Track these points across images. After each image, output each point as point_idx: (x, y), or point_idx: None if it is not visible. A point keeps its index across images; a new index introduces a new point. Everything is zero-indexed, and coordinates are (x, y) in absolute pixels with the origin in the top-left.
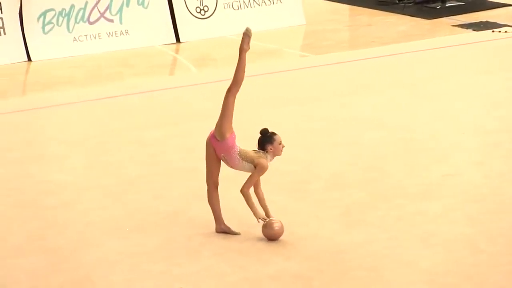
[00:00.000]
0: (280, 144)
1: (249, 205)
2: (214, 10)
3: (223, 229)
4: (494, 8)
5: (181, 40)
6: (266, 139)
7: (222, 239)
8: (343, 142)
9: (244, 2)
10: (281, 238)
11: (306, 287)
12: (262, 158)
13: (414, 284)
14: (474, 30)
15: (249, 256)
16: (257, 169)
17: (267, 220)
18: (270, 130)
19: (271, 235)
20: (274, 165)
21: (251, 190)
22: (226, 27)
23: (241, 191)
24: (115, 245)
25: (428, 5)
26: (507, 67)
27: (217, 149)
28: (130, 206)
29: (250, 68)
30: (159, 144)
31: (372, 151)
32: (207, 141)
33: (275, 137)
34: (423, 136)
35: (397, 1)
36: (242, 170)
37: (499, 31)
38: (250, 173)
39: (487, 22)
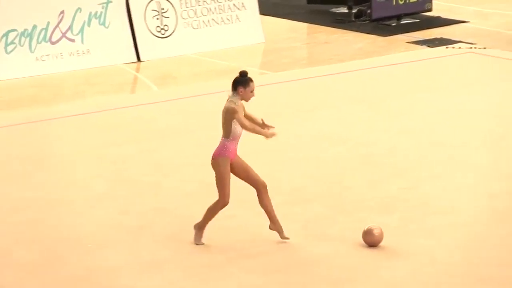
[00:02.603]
0: (251, 92)
1: (254, 131)
2: (174, 30)
3: (276, 229)
4: (448, 24)
5: (141, 59)
6: (241, 81)
7: (186, 254)
8: (303, 157)
9: (203, 21)
10: (243, 252)
11: None
12: (230, 107)
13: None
14: (429, 46)
15: (213, 270)
16: (234, 116)
17: (367, 227)
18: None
19: (371, 241)
20: (236, 180)
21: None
22: (186, 46)
23: (245, 129)
24: (81, 261)
25: (384, 23)
26: (462, 82)
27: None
28: (96, 221)
29: (210, 86)
30: (123, 160)
31: (332, 165)
32: (227, 161)
33: (251, 83)
34: (381, 151)
35: (354, 19)
36: (241, 129)
37: (453, 47)
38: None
39: (441, 38)
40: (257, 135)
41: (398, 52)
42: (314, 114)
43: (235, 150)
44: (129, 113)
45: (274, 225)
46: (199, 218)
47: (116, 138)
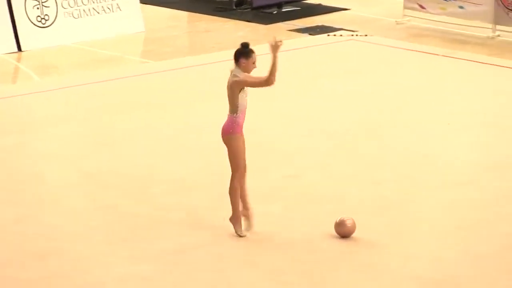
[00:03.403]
0: (253, 63)
1: (264, 77)
2: (55, 19)
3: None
4: (329, 12)
5: (22, 49)
6: (243, 53)
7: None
8: (188, 147)
9: (84, 10)
10: (128, 241)
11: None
12: (235, 79)
13: (256, 283)
14: (310, 34)
15: (93, 259)
16: (244, 84)
17: (339, 218)
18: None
19: (344, 232)
20: (119, 169)
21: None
22: (67, 36)
23: (269, 83)
24: None
25: (265, 11)
26: (343, 70)
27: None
28: None
29: (91, 75)
30: (7, 151)
31: (216, 154)
32: (239, 138)
33: (253, 54)
34: (264, 138)
35: (234, 7)
36: (246, 101)
37: (335, 35)
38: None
39: (323, 26)
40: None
41: None
42: (197, 103)
43: (242, 122)
44: (10, 104)
45: (244, 211)
46: (82, 206)
47: None
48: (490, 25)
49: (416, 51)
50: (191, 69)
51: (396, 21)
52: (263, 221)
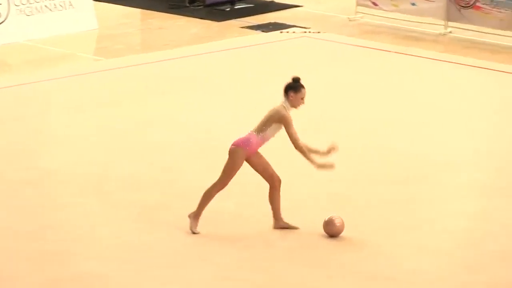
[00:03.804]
0: (302, 98)
1: (304, 154)
2: (7, 16)
3: (281, 226)
4: (281, 9)
5: None
6: (293, 87)
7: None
8: (141, 143)
9: (36, 8)
10: (82, 238)
11: (104, 286)
12: (281, 111)
13: (211, 280)
14: (263, 31)
15: (48, 257)
16: (285, 123)
17: (328, 217)
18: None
19: (333, 232)
20: (72, 167)
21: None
22: (19, 33)
23: (296, 148)
24: None
25: (218, 8)
26: (297, 66)
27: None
28: None
29: (44, 73)
30: None
31: (168, 151)
32: (244, 154)
33: (302, 89)
34: (218, 136)
35: (188, 5)
36: (274, 134)
37: (287, 32)
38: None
39: (275, 23)
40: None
41: (232, 37)
42: (151, 100)
43: (257, 147)
44: None
45: (278, 222)
46: (36, 205)
47: None
48: (442, 22)
49: (369, 48)
50: (144, 66)
51: (348, 18)
52: (217, 218)
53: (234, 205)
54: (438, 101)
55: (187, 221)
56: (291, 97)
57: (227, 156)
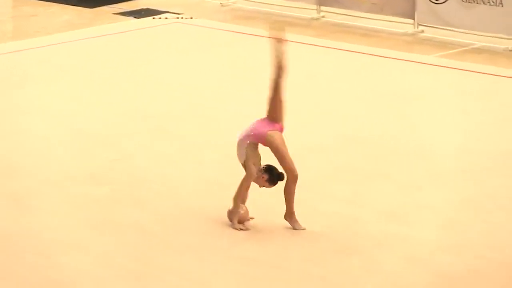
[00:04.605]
0: (264, 185)
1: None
2: None
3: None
4: None
5: None
6: (274, 179)
7: None
8: (12, 132)
9: None
10: None
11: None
12: (254, 166)
13: (86, 268)
14: (135, 17)
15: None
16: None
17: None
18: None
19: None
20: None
21: None
22: None
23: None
24: None
25: None
26: (169, 52)
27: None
28: None
29: None
30: None
31: (40, 139)
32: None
33: (272, 185)
34: (90, 124)
35: None
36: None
37: (160, 18)
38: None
39: (147, 9)
40: None
41: (104, 24)
42: (22, 89)
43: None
44: None
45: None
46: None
47: None
48: (314, 6)
49: (243, 33)
50: (15, 54)
51: (221, 3)
52: (91, 204)
53: (109, 191)
54: (314, 86)
55: (59, 208)
56: (264, 179)
57: (100, 141)
